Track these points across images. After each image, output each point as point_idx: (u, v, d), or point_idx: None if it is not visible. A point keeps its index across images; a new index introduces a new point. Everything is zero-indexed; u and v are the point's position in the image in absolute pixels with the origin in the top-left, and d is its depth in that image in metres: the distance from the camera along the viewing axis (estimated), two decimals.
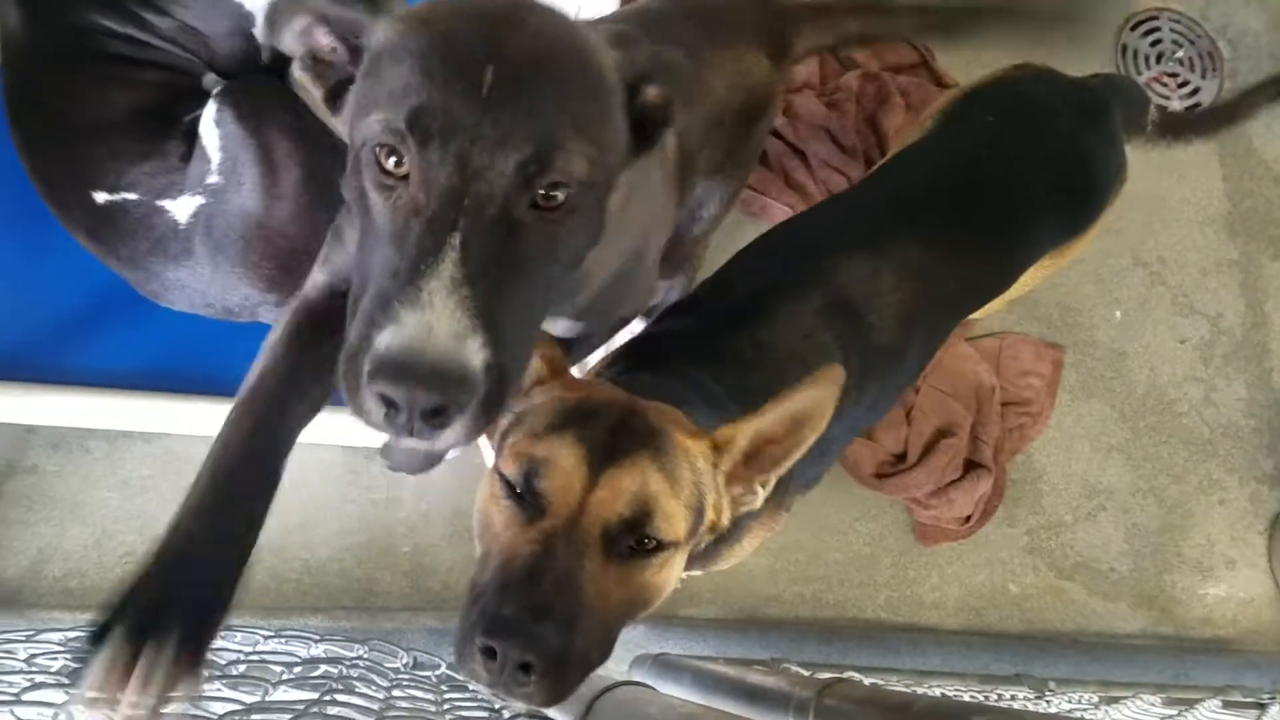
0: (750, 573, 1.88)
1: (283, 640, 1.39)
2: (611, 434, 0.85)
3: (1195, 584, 2.11)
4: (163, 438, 1.75)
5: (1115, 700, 1.77)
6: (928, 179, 1.41)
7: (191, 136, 1.52)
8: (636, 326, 1.40)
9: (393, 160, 0.76)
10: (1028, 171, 1.42)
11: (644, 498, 0.83)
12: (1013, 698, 1.72)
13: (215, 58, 1.62)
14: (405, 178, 0.75)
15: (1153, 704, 1.68)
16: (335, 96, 0.87)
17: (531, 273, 0.78)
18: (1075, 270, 2.18)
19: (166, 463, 1.76)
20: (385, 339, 0.70)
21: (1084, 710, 1.71)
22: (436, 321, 0.69)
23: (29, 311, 1.72)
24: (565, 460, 0.83)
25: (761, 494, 0.95)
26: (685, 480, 0.86)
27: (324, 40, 0.85)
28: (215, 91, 1.54)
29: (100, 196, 1.50)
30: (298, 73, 0.87)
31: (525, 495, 0.84)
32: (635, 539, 0.83)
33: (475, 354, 0.70)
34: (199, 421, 1.67)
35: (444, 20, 0.78)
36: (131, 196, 1.50)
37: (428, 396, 0.69)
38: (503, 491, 0.86)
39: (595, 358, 1.38)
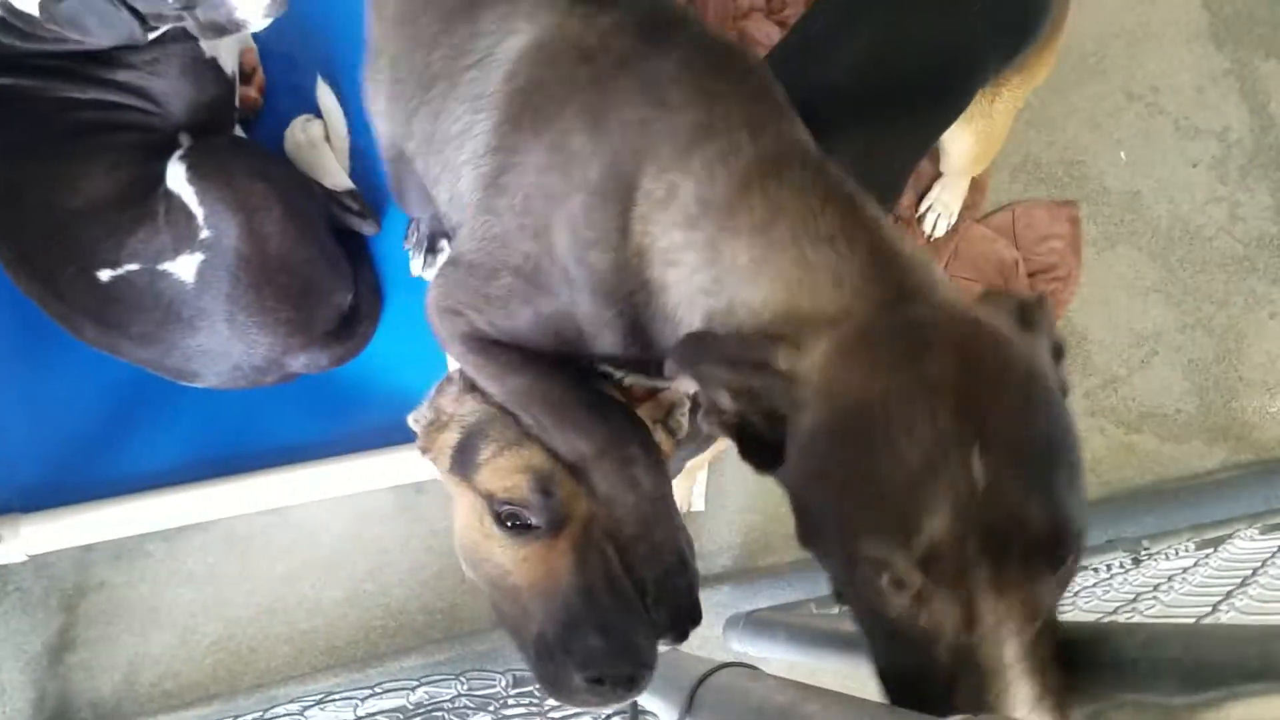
0: None
1: (380, 695, 1.40)
2: None
3: (1265, 403, 2.07)
4: (216, 523, 1.75)
5: (1215, 544, 1.74)
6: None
7: (171, 195, 1.51)
8: None
9: (898, 586, 0.66)
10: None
11: None
12: (1108, 568, 1.70)
13: (178, 98, 1.60)
14: (919, 596, 0.66)
15: (1253, 537, 1.65)
16: (747, 443, 0.77)
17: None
18: (1069, 121, 2.12)
19: (227, 545, 1.77)
20: None
21: (1185, 562, 1.68)
22: None
23: (57, 435, 1.73)
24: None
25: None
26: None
27: (724, 401, 0.76)
28: (178, 155, 1.53)
29: (104, 274, 1.49)
30: (704, 426, 0.78)
31: (537, 512, 0.82)
32: None
33: None
34: (247, 500, 1.68)
35: (888, 399, 0.67)
36: (134, 267, 1.49)
37: None
38: (493, 520, 0.83)
39: None
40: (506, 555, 0.82)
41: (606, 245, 0.86)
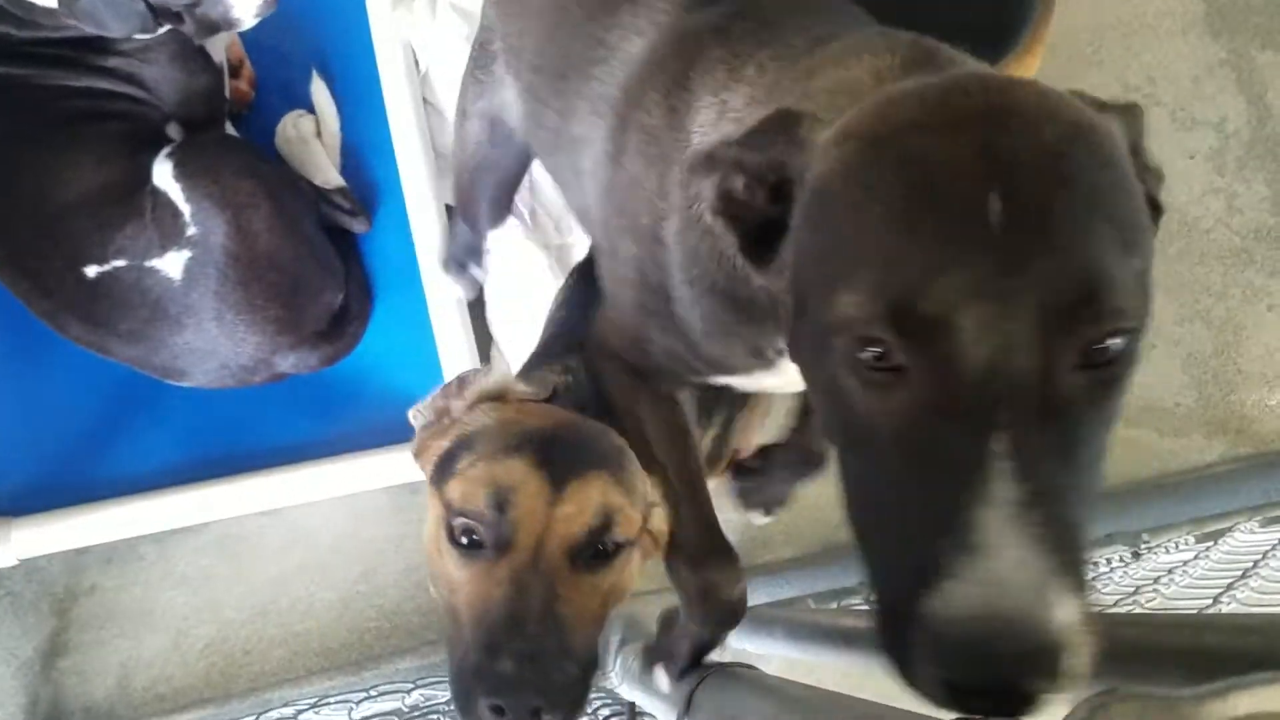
0: (816, 504, 1.84)
1: (375, 698, 1.39)
2: (568, 452, 0.83)
3: (1264, 396, 2.05)
4: (208, 525, 1.73)
5: (1214, 537, 1.74)
6: None
7: (158, 191, 1.50)
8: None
9: (878, 355, 0.54)
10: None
11: (606, 506, 0.82)
12: (1108, 561, 1.69)
13: (168, 85, 1.60)
14: (899, 369, 0.54)
15: (1252, 530, 1.64)
16: (756, 242, 0.67)
17: (1091, 463, 0.54)
18: None
19: (220, 547, 1.76)
20: (942, 605, 0.48)
21: (1185, 555, 1.68)
22: (1007, 572, 0.48)
23: (47, 437, 1.72)
24: (531, 483, 0.80)
25: None
26: (639, 490, 0.88)
27: (737, 184, 0.67)
28: (165, 152, 1.52)
29: (92, 270, 1.48)
30: (709, 218, 0.70)
31: (487, 529, 0.80)
32: (598, 546, 0.83)
33: (1066, 611, 0.48)
34: (239, 502, 1.67)
35: (904, 135, 0.57)
36: (121, 263, 1.48)
37: (1030, 682, 0.47)
38: (447, 535, 0.81)
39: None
40: (456, 573, 0.81)
41: (673, 211, 0.83)
